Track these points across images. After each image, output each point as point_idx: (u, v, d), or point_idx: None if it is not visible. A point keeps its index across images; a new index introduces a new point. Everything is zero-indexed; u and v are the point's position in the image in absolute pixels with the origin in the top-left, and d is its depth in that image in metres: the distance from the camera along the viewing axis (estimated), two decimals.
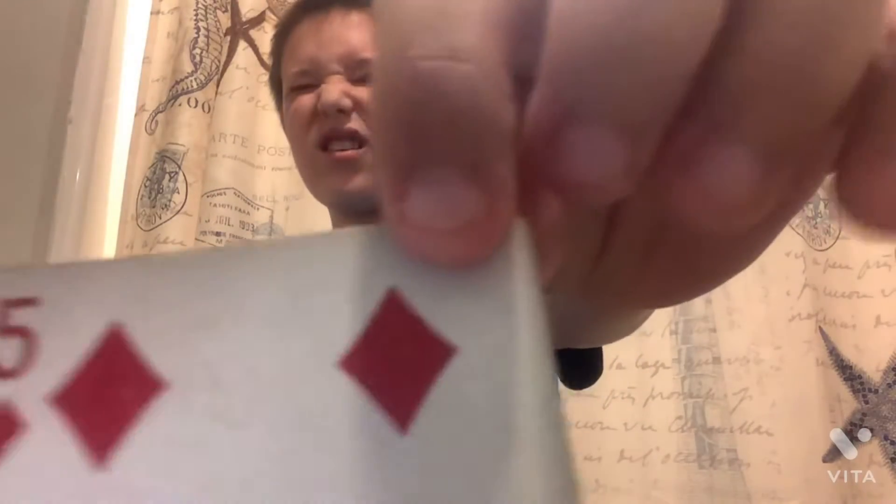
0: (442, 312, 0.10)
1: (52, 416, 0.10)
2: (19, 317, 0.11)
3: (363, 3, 0.69)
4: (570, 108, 0.10)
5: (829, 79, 0.10)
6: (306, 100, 0.66)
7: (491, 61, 0.10)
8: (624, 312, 0.23)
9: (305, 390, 0.10)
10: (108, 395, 0.10)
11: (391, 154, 0.10)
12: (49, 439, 0.10)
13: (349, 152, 0.63)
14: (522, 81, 0.10)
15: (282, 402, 0.10)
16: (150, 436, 0.10)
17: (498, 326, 0.10)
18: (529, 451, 0.09)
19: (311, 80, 0.66)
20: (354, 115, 0.63)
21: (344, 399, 0.10)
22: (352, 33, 0.66)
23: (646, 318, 0.31)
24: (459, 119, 0.09)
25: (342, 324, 0.10)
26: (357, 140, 0.63)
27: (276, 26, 0.75)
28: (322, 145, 0.64)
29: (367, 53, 0.65)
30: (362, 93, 0.64)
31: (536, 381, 0.10)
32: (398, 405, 0.10)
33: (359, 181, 0.63)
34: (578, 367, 0.53)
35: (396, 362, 0.10)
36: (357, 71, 0.65)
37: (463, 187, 0.10)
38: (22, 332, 0.11)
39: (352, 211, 0.69)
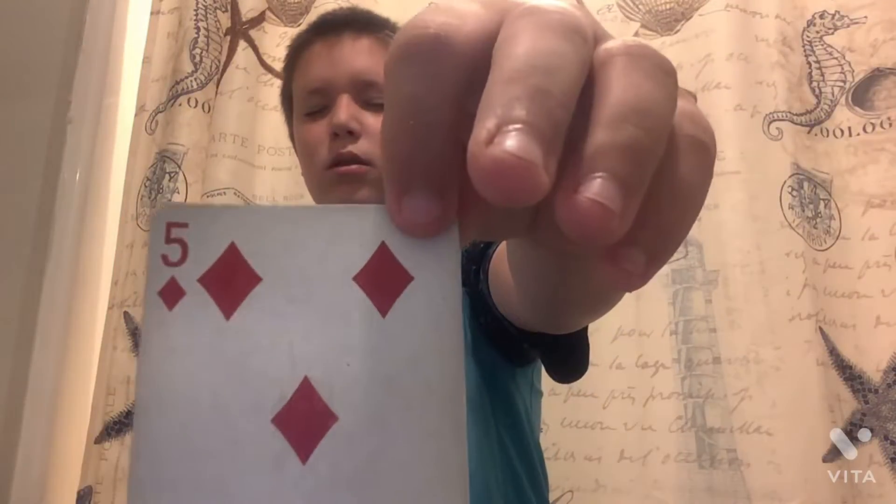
0: (409, 258, 0.19)
1: (199, 289, 0.18)
2: (177, 232, 0.19)
3: (373, 28, 0.73)
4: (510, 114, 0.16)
5: (648, 152, 0.17)
6: (317, 127, 0.70)
7: (445, 134, 0.18)
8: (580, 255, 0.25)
9: (335, 290, 0.18)
10: (229, 280, 0.18)
11: (395, 177, 0.18)
12: (198, 301, 0.18)
13: (354, 167, 0.68)
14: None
15: (322, 294, 0.18)
16: (252, 304, 0.18)
17: (436, 267, 0.19)
18: (449, 326, 0.18)
19: (323, 100, 0.71)
20: (361, 139, 0.67)
21: (354, 296, 0.18)
22: (362, 57, 0.71)
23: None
24: (432, 164, 0.18)
25: (357, 257, 0.19)
26: (361, 162, 0.67)
27: (288, 45, 0.79)
28: (330, 166, 0.69)
29: (376, 77, 0.68)
30: (369, 119, 0.68)
31: (453, 298, 0.19)
32: (381, 302, 0.18)
33: (364, 194, 0.68)
34: (565, 359, 0.54)
35: (381, 280, 0.18)
36: (365, 93, 0.70)
37: (432, 201, 0.18)
38: (179, 242, 0.19)
39: None
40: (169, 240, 0.18)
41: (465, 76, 0.18)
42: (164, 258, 0.18)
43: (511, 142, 0.15)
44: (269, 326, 0.18)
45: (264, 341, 0.18)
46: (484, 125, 0.16)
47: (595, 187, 0.16)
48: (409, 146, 0.18)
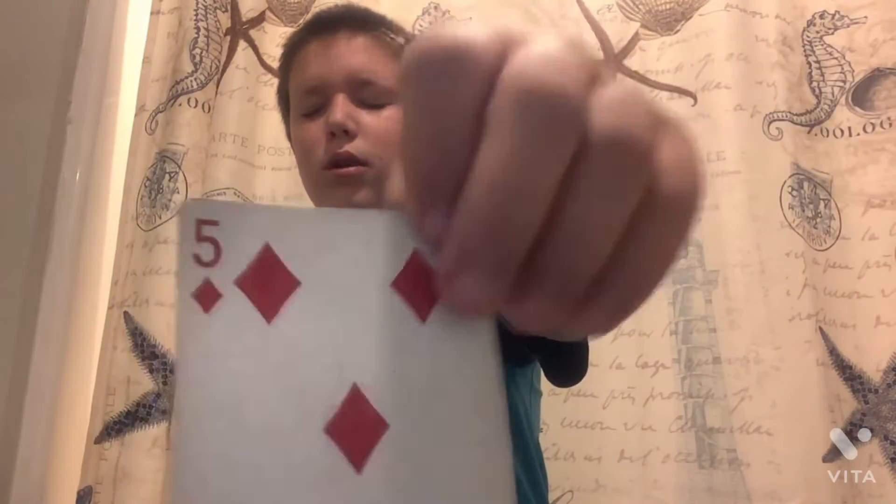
0: None
1: (236, 291, 0.17)
2: (208, 230, 0.17)
3: (369, 26, 0.73)
4: (463, 259, 0.18)
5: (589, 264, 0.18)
6: (314, 126, 0.70)
7: (466, 152, 0.18)
8: None
9: (374, 295, 0.18)
10: (268, 283, 0.18)
11: (419, 197, 0.18)
12: (237, 304, 0.17)
13: (352, 169, 0.67)
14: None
15: (361, 300, 0.18)
16: (292, 308, 0.18)
17: None
18: (485, 330, 0.19)
19: (319, 100, 0.71)
20: (358, 138, 0.67)
21: (393, 302, 0.18)
22: (357, 55, 0.71)
23: None
24: (453, 182, 0.18)
25: (392, 263, 0.19)
26: (359, 162, 0.67)
27: (284, 45, 0.79)
28: (327, 167, 0.68)
29: (372, 75, 0.68)
30: (365, 118, 0.68)
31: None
32: (420, 308, 0.18)
33: (363, 195, 0.67)
34: (564, 363, 0.54)
35: (419, 287, 0.19)
36: (361, 91, 0.70)
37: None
38: (211, 241, 0.17)
39: None
40: (200, 238, 0.17)
41: (482, 90, 0.18)
42: (197, 258, 0.17)
43: (467, 288, 0.18)
44: (312, 332, 0.18)
45: (309, 347, 0.17)
46: (451, 253, 0.18)
47: (458, 285, 0.18)
48: (429, 164, 0.18)
